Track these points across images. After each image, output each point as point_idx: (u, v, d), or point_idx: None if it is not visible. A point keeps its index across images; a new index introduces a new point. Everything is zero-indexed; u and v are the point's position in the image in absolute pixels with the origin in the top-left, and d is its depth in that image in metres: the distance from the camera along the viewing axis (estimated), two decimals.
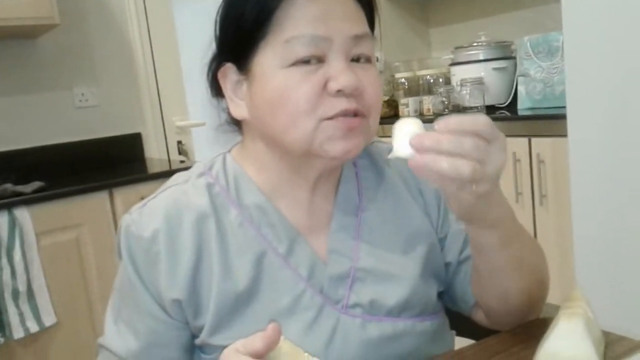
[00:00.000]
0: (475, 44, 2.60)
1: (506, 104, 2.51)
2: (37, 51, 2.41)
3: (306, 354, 0.58)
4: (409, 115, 2.74)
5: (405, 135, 0.58)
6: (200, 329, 0.71)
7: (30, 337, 1.86)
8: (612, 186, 1.56)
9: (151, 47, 2.70)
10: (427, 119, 2.35)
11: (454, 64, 2.68)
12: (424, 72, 2.96)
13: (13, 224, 1.82)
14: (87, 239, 2.00)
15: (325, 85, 0.66)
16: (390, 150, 0.79)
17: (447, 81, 2.79)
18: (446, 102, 2.66)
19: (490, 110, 2.49)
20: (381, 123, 0.82)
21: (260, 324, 0.56)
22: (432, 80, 2.90)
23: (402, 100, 2.86)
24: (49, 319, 1.88)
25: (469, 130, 0.55)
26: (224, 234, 0.72)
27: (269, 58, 0.67)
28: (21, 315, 1.83)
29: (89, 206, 2.00)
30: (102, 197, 2.03)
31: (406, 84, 2.98)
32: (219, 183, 0.75)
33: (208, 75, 0.75)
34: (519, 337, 0.72)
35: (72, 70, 2.49)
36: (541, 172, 2.12)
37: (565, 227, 1.95)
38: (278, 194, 0.74)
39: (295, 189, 0.74)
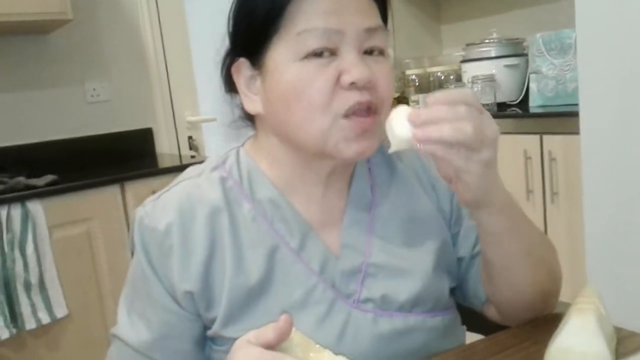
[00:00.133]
0: (486, 41, 2.59)
1: (518, 101, 2.50)
2: (49, 46, 2.42)
3: (317, 346, 0.59)
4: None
5: (400, 120, 0.60)
6: (212, 321, 0.72)
7: (41, 329, 1.88)
8: (624, 184, 1.55)
9: (162, 42, 2.71)
10: None
11: (465, 60, 2.67)
12: (434, 69, 2.95)
13: (26, 216, 1.84)
14: (99, 232, 2.02)
15: (338, 79, 0.66)
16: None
17: (458, 78, 2.78)
18: None
19: (501, 107, 2.48)
20: None
21: (272, 317, 0.57)
22: (443, 77, 2.89)
23: (413, 97, 2.86)
24: (60, 311, 1.90)
25: (459, 100, 0.58)
26: (236, 227, 0.72)
27: (282, 52, 0.67)
28: (33, 306, 1.85)
29: (101, 200, 2.02)
30: (113, 191, 2.05)
31: (417, 80, 2.97)
32: (232, 177, 0.75)
33: (222, 71, 0.76)
34: (530, 332, 0.72)
35: (83, 66, 2.51)
36: (552, 170, 2.11)
37: (577, 224, 1.94)
38: (291, 189, 0.74)
39: (308, 184, 0.74)
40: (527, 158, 2.17)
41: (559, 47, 2.24)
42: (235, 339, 0.58)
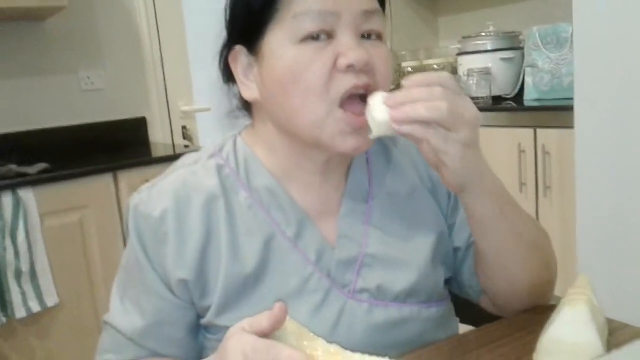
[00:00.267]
0: (483, 34, 2.59)
1: (513, 94, 2.50)
2: (44, 34, 2.40)
3: (311, 335, 0.59)
4: None
5: (378, 105, 0.61)
6: (207, 310, 0.71)
7: (32, 317, 1.87)
8: (618, 179, 1.56)
9: (158, 31, 2.69)
10: None
11: (461, 53, 2.67)
12: (431, 62, 2.95)
13: (17, 204, 1.82)
14: (91, 221, 2.00)
15: (335, 63, 0.65)
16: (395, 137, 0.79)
17: (454, 71, 2.77)
18: None
19: (496, 100, 2.48)
20: None
21: (267, 306, 0.56)
22: (439, 70, 2.89)
23: None
24: (51, 300, 1.89)
25: (435, 82, 0.60)
26: (233, 216, 0.72)
27: (278, 36, 0.67)
28: (24, 295, 1.84)
29: (94, 189, 2.01)
30: (106, 180, 2.04)
31: (413, 73, 2.97)
32: (229, 165, 0.75)
33: (220, 62, 0.75)
34: (522, 323, 0.72)
35: (78, 54, 2.48)
36: (546, 164, 2.11)
37: (569, 218, 1.95)
38: (288, 178, 0.74)
39: (305, 173, 0.74)
40: (521, 151, 2.18)
41: (555, 41, 2.24)
42: (229, 328, 0.57)
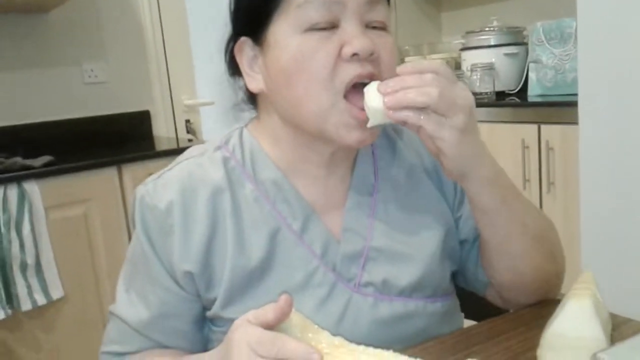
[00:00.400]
0: (486, 29, 2.58)
1: (516, 90, 2.50)
2: (47, 25, 2.40)
3: (316, 327, 0.59)
4: None
5: (372, 93, 0.62)
6: (212, 302, 0.72)
7: (37, 310, 1.88)
8: (622, 174, 1.56)
9: (161, 24, 2.69)
10: None
11: (464, 48, 2.66)
12: (434, 57, 2.94)
13: (22, 197, 1.83)
14: (95, 214, 2.01)
15: (340, 52, 0.65)
16: (396, 128, 0.80)
17: (458, 66, 2.77)
18: None
19: (500, 96, 2.48)
20: None
21: (272, 299, 0.57)
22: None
23: None
24: (56, 292, 1.90)
25: (427, 69, 0.61)
26: (238, 208, 0.72)
27: (283, 26, 0.67)
28: (29, 287, 1.85)
29: (98, 182, 2.01)
30: (110, 173, 2.04)
31: None
32: (235, 157, 0.75)
33: (226, 55, 0.75)
34: (526, 318, 0.72)
35: (81, 46, 2.48)
36: (550, 160, 2.11)
37: (573, 214, 1.95)
38: (294, 171, 0.74)
39: (310, 166, 0.74)
40: (525, 147, 2.18)
41: (559, 36, 2.24)
42: (234, 320, 0.58)
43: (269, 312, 0.55)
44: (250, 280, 0.71)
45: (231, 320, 0.59)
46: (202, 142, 2.25)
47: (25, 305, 1.84)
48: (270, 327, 0.56)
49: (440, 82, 0.60)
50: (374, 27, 0.68)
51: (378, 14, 0.68)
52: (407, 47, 3.07)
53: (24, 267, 1.83)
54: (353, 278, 0.72)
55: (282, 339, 0.53)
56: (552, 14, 2.36)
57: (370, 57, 0.66)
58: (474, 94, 2.48)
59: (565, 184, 2.08)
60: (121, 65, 2.59)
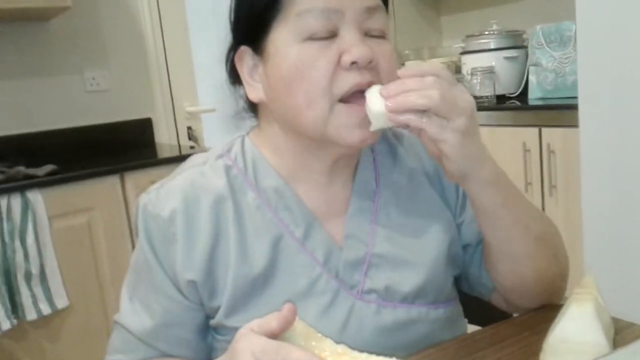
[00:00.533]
0: (486, 33, 2.59)
1: (517, 93, 2.50)
2: (49, 34, 2.41)
3: (319, 335, 0.59)
4: None
5: (374, 97, 0.63)
6: (216, 311, 0.72)
7: (42, 319, 1.88)
8: (623, 177, 1.56)
9: (162, 32, 2.70)
10: None
11: (464, 52, 2.67)
12: (434, 61, 2.94)
13: (26, 206, 1.84)
14: (99, 222, 2.02)
15: (339, 60, 0.66)
16: (399, 133, 0.80)
17: (458, 70, 2.77)
18: None
19: (500, 99, 2.48)
20: None
21: (276, 307, 0.57)
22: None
23: None
24: (61, 302, 1.91)
25: (428, 72, 0.61)
26: (241, 216, 0.72)
27: (282, 35, 0.67)
28: (34, 297, 1.85)
29: (101, 190, 2.02)
30: (113, 181, 2.05)
31: None
32: (237, 165, 0.75)
33: (226, 64, 0.76)
34: (529, 323, 0.73)
35: (83, 54, 2.50)
36: (551, 163, 2.11)
37: (575, 217, 1.94)
38: (295, 178, 0.75)
39: (312, 174, 0.74)
40: (526, 151, 2.18)
41: (558, 39, 2.24)
42: (238, 329, 0.58)
43: (272, 321, 0.56)
44: (254, 289, 0.71)
45: (235, 329, 0.59)
46: (204, 149, 2.26)
47: (31, 315, 1.85)
48: (274, 335, 0.56)
49: (442, 84, 0.60)
50: (373, 35, 0.69)
51: (376, 22, 0.69)
52: (407, 52, 3.08)
53: (28, 276, 1.84)
54: (356, 285, 0.73)
55: (286, 348, 0.54)
56: (552, 17, 2.36)
57: (369, 65, 0.66)
58: (475, 97, 2.49)
59: (567, 187, 2.08)
60: (123, 73, 2.60)
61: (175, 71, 2.74)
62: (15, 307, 1.82)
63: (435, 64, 0.69)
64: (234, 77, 0.76)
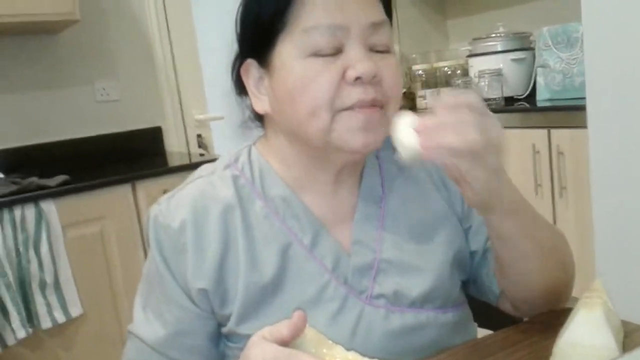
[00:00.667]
0: (493, 35, 2.59)
1: (525, 95, 2.50)
2: (58, 46, 2.45)
3: (330, 342, 0.60)
4: (425, 108, 2.74)
5: (406, 129, 0.61)
6: (227, 318, 0.73)
7: (57, 328, 1.90)
8: (632, 177, 1.55)
9: (170, 41, 2.72)
10: None
11: (471, 55, 2.67)
12: (441, 64, 2.95)
13: (40, 216, 1.86)
14: (111, 231, 2.04)
15: (344, 75, 0.67)
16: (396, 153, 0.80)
17: (465, 73, 2.78)
18: None
19: (509, 101, 2.48)
20: None
21: (286, 314, 0.58)
22: (449, 72, 2.89)
23: (420, 93, 2.86)
24: (75, 310, 1.93)
25: (463, 104, 0.59)
26: (249, 225, 0.73)
27: (288, 49, 0.68)
28: (48, 305, 1.87)
29: (113, 199, 2.04)
30: (125, 190, 2.07)
31: (423, 75, 2.97)
32: (245, 175, 0.76)
33: (232, 74, 0.77)
34: (539, 327, 0.73)
35: (92, 65, 2.53)
36: (561, 164, 2.11)
37: (585, 219, 1.94)
38: (302, 187, 0.75)
39: (318, 182, 0.75)
40: (535, 152, 2.17)
41: (565, 40, 2.24)
42: (250, 336, 0.59)
43: (283, 328, 0.56)
44: (264, 296, 0.72)
45: (246, 336, 0.59)
46: (214, 156, 2.27)
47: (46, 324, 1.87)
48: (285, 343, 0.56)
49: (477, 120, 0.58)
50: (378, 50, 0.69)
51: (381, 37, 0.69)
52: (414, 55, 3.09)
53: (43, 285, 1.86)
54: (364, 290, 0.73)
55: (297, 355, 0.54)
56: (558, 19, 2.36)
57: (373, 80, 0.67)
58: (483, 99, 2.49)
59: (577, 188, 2.07)
60: (132, 83, 2.63)
61: (183, 79, 2.77)
62: (30, 316, 1.84)
63: (468, 93, 0.66)
64: (240, 88, 0.77)
